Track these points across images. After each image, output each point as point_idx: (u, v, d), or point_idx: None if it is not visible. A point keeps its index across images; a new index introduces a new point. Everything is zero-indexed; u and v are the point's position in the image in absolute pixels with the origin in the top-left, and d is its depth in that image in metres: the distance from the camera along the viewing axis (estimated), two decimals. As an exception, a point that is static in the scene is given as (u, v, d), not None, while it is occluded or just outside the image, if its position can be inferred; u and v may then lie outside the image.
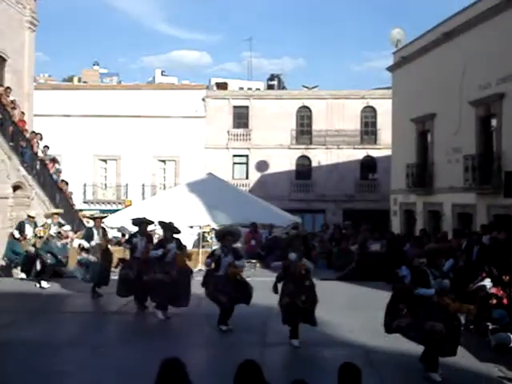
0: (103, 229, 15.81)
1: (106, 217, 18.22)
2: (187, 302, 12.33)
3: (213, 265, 11.73)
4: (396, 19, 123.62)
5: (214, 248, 13.88)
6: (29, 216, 17.85)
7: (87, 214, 23.48)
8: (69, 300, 15.00)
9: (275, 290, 10.50)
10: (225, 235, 11.83)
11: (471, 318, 10.97)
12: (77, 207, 26.70)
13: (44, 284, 16.09)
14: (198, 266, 18.16)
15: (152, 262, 12.65)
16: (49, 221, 16.92)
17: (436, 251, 9.31)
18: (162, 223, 13.18)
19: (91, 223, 16.32)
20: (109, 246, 15.49)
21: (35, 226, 17.34)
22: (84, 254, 15.11)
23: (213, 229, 22.18)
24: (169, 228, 12.97)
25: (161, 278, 12.21)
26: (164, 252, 12.45)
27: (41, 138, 23.06)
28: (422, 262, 9.22)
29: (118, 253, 16.03)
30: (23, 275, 17.35)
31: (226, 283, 11.24)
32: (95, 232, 15.21)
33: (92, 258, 14.88)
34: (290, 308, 10.16)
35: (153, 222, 14.91)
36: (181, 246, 12.91)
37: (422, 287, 8.69)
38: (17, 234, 17.50)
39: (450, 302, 8.64)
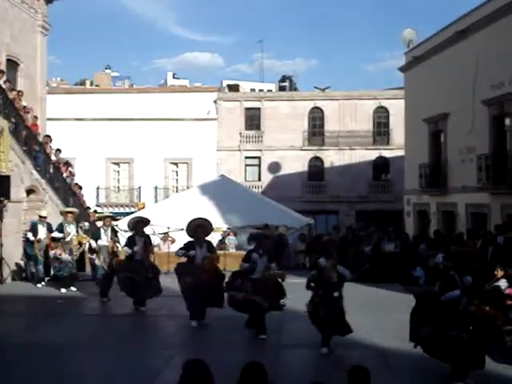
0: (113, 229, 15.52)
1: (113, 216, 17.91)
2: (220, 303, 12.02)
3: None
4: (408, 19, 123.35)
5: (248, 249, 13.40)
6: (40, 216, 17.77)
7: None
8: (84, 303, 15.03)
9: (309, 287, 10.35)
10: (263, 239, 11.86)
11: (499, 324, 10.64)
12: (93, 210, 26.66)
13: (62, 290, 16.12)
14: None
15: (188, 267, 12.20)
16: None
17: (466, 255, 9.04)
18: (197, 220, 12.47)
19: (100, 223, 16.26)
20: (115, 249, 15.00)
21: (48, 226, 17.32)
22: (90, 255, 15.07)
23: (232, 231, 22.22)
24: (206, 227, 12.50)
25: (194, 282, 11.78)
26: (185, 254, 12.07)
27: (51, 141, 23.09)
28: (450, 265, 8.93)
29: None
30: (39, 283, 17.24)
31: (265, 287, 11.03)
32: (102, 232, 15.06)
33: (97, 261, 14.75)
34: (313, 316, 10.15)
35: (149, 221, 14.77)
36: (211, 249, 12.42)
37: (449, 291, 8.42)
38: (31, 237, 17.37)
39: (476, 310, 8.41)
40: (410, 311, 9.01)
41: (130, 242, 13.84)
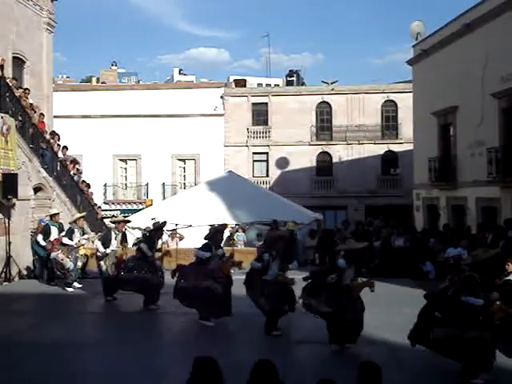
0: (124, 234, 15.08)
1: (129, 221, 17.69)
2: (229, 311, 11.83)
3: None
4: (416, 12, 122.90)
5: (258, 246, 13.41)
6: (51, 216, 17.37)
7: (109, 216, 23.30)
8: (92, 301, 14.92)
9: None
10: (276, 240, 11.52)
11: None
12: (101, 208, 26.61)
13: (68, 289, 15.91)
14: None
15: (191, 268, 12.13)
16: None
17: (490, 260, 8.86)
18: (215, 227, 12.68)
19: (112, 226, 15.96)
20: (124, 258, 14.42)
21: (60, 226, 17.04)
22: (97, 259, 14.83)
23: (241, 228, 22.12)
24: (221, 231, 12.49)
25: (209, 285, 11.60)
26: (211, 256, 11.87)
27: (59, 139, 23.06)
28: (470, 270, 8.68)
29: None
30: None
31: (273, 290, 10.87)
32: (113, 237, 14.71)
33: (103, 266, 14.49)
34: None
35: (164, 225, 14.80)
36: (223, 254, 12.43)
37: (470, 295, 8.21)
38: (41, 241, 16.96)
39: (495, 310, 8.26)
40: (419, 311, 8.85)
41: (151, 245, 13.86)
